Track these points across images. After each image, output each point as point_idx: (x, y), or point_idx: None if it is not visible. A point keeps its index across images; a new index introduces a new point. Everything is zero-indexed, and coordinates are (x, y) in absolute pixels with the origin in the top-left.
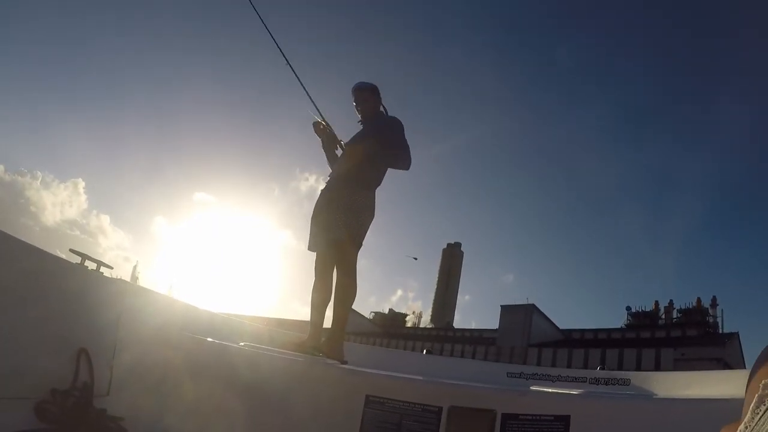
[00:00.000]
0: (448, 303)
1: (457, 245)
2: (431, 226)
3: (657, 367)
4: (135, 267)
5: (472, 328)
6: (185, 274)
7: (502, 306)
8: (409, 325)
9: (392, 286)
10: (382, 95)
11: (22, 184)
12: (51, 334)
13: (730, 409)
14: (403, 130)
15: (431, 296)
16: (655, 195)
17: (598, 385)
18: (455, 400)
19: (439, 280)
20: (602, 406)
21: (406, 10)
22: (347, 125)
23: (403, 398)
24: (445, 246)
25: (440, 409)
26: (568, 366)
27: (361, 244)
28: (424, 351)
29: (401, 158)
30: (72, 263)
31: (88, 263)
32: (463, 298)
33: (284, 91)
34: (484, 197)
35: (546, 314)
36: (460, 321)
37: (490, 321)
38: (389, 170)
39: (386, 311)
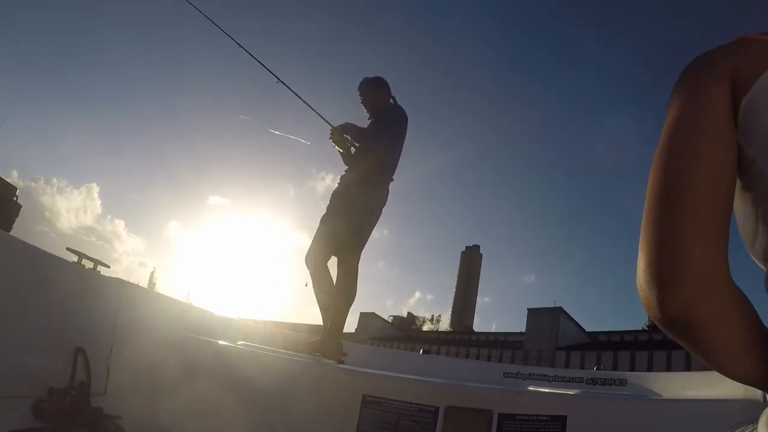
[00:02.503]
0: (468, 306)
1: (476, 248)
2: (449, 229)
3: (687, 370)
4: (152, 273)
5: (496, 331)
6: (202, 278)
7: (528, 309)
8: (426, 328)
9: (410, 288)
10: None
11: (36, 191)
12: (48, 333)
13: (726, 410)
14: (390, 118)
15: (450, 298)
16: None
17: (594, 385)
18: (452, 400)
19: (458, 283)
20: (599, 407)
21: (425, 20)
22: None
23: (400, 398)
24: (463, 249)
25: (437, 409)
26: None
27: (363, 245)
28: (421, 351)
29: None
30: (69, 261)
31: (85, 262)
32: (482, 300)
33: (296, 89)
34: (503, 199)
35: (572, 316)
36: (479, 324)
37: (511, 323)
38: (409, 173)
39: (404, 314)
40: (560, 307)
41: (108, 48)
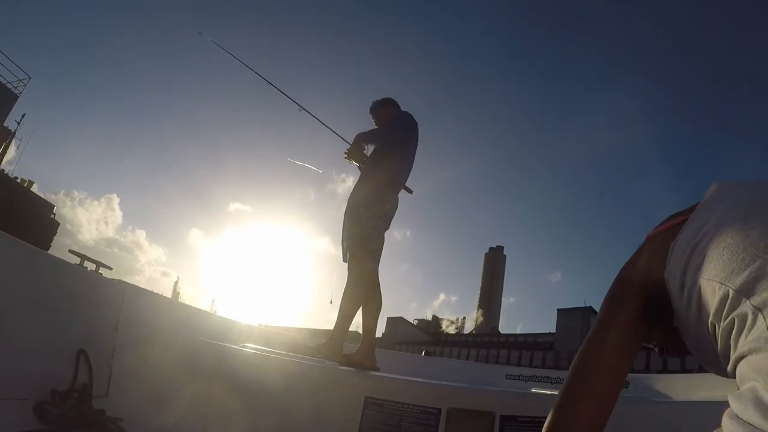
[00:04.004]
0: (493, 307)
1: (500, 248)
2: (473, 231)
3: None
4: (176, 283)
5: (525, 332)
6: (226, 286)
7: (558, 309)
8: (451, 330)
9: (434, 290)
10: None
11: (56, 203)
12: (50, 335)
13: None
14: (395, 122)
15: (475, 300)
16: (699, 191)
17: None
18: (454, 402)
19: (482, 285)
20: None
21: (446, 40)
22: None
23: (401, 400)
24: (487, 250)
25: (439, 410)
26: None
27: (375, 253)
28: (423, 353)
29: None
30: (71, 264)
31: (87, 264)
32: (507, 300)
33: (314, 92)
34: (526, 198)
35: None
36: (505, 325)
37: (538, 323)
38: (432, 177)
39: (429, 317)
40: (590, 306)
41: (128, 60)
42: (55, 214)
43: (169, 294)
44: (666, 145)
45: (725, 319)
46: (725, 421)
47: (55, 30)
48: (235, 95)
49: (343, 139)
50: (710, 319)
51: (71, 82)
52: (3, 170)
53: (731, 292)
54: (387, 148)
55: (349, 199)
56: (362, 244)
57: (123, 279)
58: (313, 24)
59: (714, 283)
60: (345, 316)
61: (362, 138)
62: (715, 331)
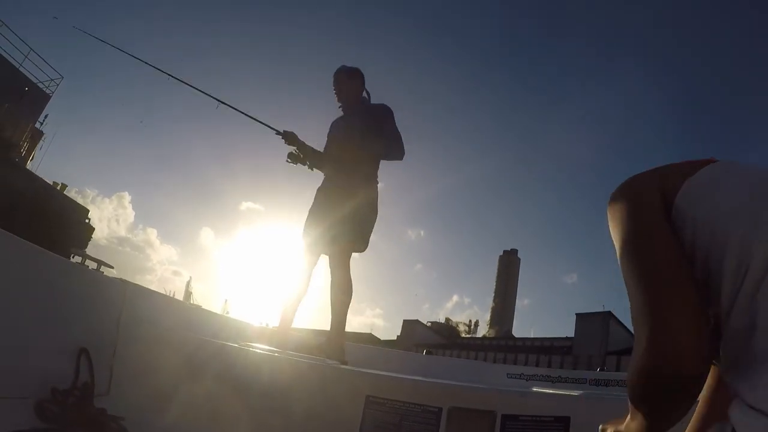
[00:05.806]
0: (507, 310)
1: (514, 252)
2: (487, 233)
3: None
4: (188, 283)
5: (540, 336)
6: (238, 286)
7: (576, 314)
8: (464, 333)
9: (448, 292)
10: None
11: None
12: (51, 334)
13: None
14: (393, 117)
15: (488, 302)
16: None
17: (598, 386)
18: (455, 401)
19: (496, 288)
20: (602, 408)
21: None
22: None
23: (403, 399)
24: (501, 252)
25: (440, 409)
26: None
27: (362, 243)
28: (425, 352)
29: (394, 149)
30: (72, 262)
31: (88, 262)
32: (521, 302)
33: (324, 89)
34: (541, 199)
35: (620, 320)
36: (518, 327)
37: (552, 325)
38: (448, 179)
39: (441, 319)
40: (610, 311)
41: (138, 55)
42: (90, 219)
43: (181, 294)
44: (676, 139)
45: (739, 272)
46: (738, 413)
47: (62, 25)
48: (248, 93)
49: (269, 126)
50: (719, 266)
51: (80, 80)
52: (32, 172)
53: (755, 244)
54: (371, 142)
55: (351, 194)
56: (357, 241)
57: (135, 278)
58: (312, 22)
59: (732, 227)
60: (341, 312)
61: (364, 147)
62: (719, 283)
